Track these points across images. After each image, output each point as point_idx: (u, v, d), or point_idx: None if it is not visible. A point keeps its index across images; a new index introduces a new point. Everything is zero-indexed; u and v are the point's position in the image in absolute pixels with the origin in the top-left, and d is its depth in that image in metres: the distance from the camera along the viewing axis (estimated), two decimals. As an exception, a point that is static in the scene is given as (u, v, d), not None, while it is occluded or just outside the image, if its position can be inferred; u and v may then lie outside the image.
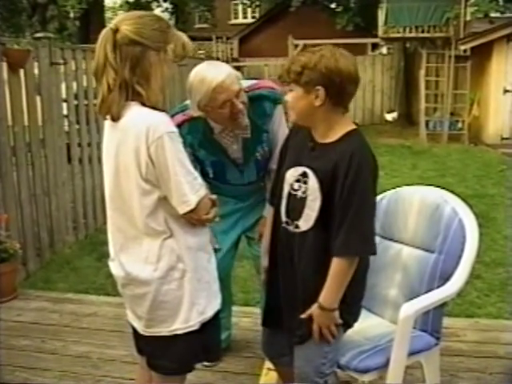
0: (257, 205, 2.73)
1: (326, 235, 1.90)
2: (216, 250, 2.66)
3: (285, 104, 2.45)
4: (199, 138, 2.51)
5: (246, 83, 2.51)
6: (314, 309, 1.92)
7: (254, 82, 2.57)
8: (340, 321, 1.94)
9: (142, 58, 1.70)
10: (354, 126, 1.95)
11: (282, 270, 2.06)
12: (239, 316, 3.32)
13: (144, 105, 1.73)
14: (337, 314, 1.92)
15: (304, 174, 1.94)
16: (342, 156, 1.85)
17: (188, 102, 2.42)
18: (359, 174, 1.83)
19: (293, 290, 2.01)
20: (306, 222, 1.93)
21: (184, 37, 1.82)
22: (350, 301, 1.97)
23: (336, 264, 1.87)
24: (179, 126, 2.44)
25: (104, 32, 1.73)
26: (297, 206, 1.96)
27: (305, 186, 1.93)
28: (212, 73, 2.29)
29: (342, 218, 1.84)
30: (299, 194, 1.95)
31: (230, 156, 2.56)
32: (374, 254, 1.94)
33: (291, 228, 1.99)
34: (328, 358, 1.99)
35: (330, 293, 1.90)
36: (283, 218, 2.02)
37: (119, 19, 1.74)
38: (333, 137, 1.91)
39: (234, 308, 3.15)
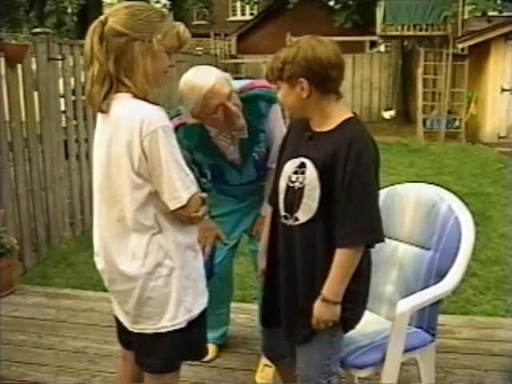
0: (258, 204, 2.72)
1: (327, 227, 1.86)
2: (225, 245, 2.70)
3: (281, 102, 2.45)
4: (195, 142, 2.50)
5: (239, 84, 2.50)
6: (316, 302, 1.88)
7: (247, 82, 2.55)
8: (337, 319, 1.89)
9: (126, 49, 1.69)
10: (351, 114, 1.93)
11: (283, 267, 2.01)
12: (236, 312, 3.33)
13: (136, 96, 1.71)
14: (338, 308, 1.88)
15: (302, 165, 1.90)
16: (341, 143, 1.82)
17: (182, 107, 2.40)
18: (360, 161, 1.80)
19: (293, 287, 1.97)
20: (305, 212, 1.89)
21: (180, 27, 1.79)
22: (352, 299, 1.92)
23: (341, 255, 1.83)
24: (175, 129, 2.44)
25: (93, 24, 1.73)
26: (295, 197, 1.91)
27: (302, 176, 1.89)
28: (201, 80, 2.26)
29: (345, 207, 1.81)
30: (297, 184, 1.91)
31: (227, 158, 2.55)
32: (382, 241, 1.89)
33: (290, 221, 1.94)
34: (332, 360, 1.97)
35: (334, 284, 1.85)
36: (282, 212, 1.98)
37: (109, 11, 1.75)
38: (330, 125, 1.89)
39: (231, 304, 3.16)
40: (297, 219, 1.92)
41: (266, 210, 2.30)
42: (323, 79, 1.84)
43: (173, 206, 1.73)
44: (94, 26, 1.72)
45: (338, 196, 1.83)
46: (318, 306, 1.88)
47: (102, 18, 1.72)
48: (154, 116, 1.69)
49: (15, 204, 4.35)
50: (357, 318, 2.02)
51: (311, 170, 1.87)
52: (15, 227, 4.32)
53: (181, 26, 1.81)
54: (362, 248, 1.86)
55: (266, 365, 2.72)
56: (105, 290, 3.85)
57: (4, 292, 3.79)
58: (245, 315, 3.40)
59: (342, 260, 1.84)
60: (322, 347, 1.96)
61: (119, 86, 1.72)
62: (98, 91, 1.72)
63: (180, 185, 1.71)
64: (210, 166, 2.58)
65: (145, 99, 1.72)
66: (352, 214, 1.81)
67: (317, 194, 1.86)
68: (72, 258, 4.78)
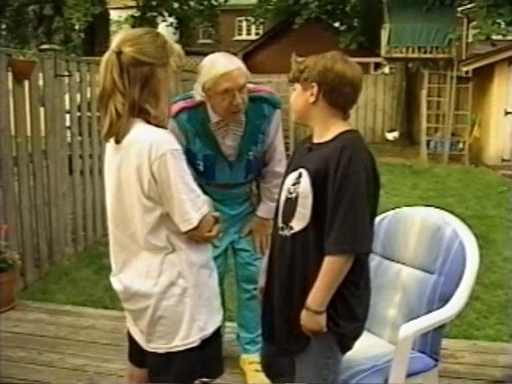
0: (245, 216, 2.80)
1: (320, 235, 1.86)
2: (215, 247, 2.72)
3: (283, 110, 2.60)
4: (196, 127, 2.58)
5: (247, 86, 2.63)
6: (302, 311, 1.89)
7: (253, 85, 2.68)
8: (325, 329, 1.87)
9: (151, 77, 1.71)
10: (351, 127, 1.96)
11: (277, 276, 2.01)
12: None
13: (148, 122, 1.73)
14: (322, 318, 1.86)
15: (299, 175, 1.93)
16: (333, 151, 1.85)
17: (190, 92, 2.54)
18: (349, 168, 1.81)
19: (287, 296, 1.96)
20: (300, 221, 1.90)
21: (178, 47, 1.83)
22: (347, 316, 1.91)
23: (328, 263, 1.82)
24: (180, 111, 2.54)
25: (107, 56, 1.71)
26: (291, 207, 1.94)
27: (298, 185, 1.92)
28: (225, 61, 2.43)
29: (333, 214, 1.81)
30: (293, 195, 1.93)
31: (223, 152, 2.62)
32: (369, 252, 1.92)
33: (286, 232, 1.96)
34: (327, 381, 1.95)
35: (318, 293, 1.85)
36: (279, 223, 2.00)
37: (120, 41, 1.72)
38: (328, 136, 1.93)
39: (231, 324, 3.13)
40: (292, 228, 1.94)
41: (262, 212, 2.66)
42: (333, 90, 1.89)
43: (184, 227, 1.74)
44: (108, 58, 1.70)
45: (328, 203, 1.84)
46: (302, 315, 1.89)
47: (114, 48, 1.70)
48: (163, 140, 1.71)
49: (18, 219, 4.35)
50: (354, 338, 1.99)
51: (305, 180, 1.90)
52: (18, 242, 4.31)
53: (178, 46, 1.84)
54: (349, 257, 1.84)
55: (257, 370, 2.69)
56: (106, 308, 3.87)
57: (4, 307, 3.77)
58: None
59: (327, 268, 1.83)
60: (317, 368, 1.95)
61: (139, 112, 1.73)
62: (123, 124, 1.70)
63: (190, 207, 1.72)
64: (205, 157, 2.63)
65: (158, 124, 1.73)
66: (339, 222, 1.81)
67: (309, 201, 1.88)
68: (73, 275, 4.75)
